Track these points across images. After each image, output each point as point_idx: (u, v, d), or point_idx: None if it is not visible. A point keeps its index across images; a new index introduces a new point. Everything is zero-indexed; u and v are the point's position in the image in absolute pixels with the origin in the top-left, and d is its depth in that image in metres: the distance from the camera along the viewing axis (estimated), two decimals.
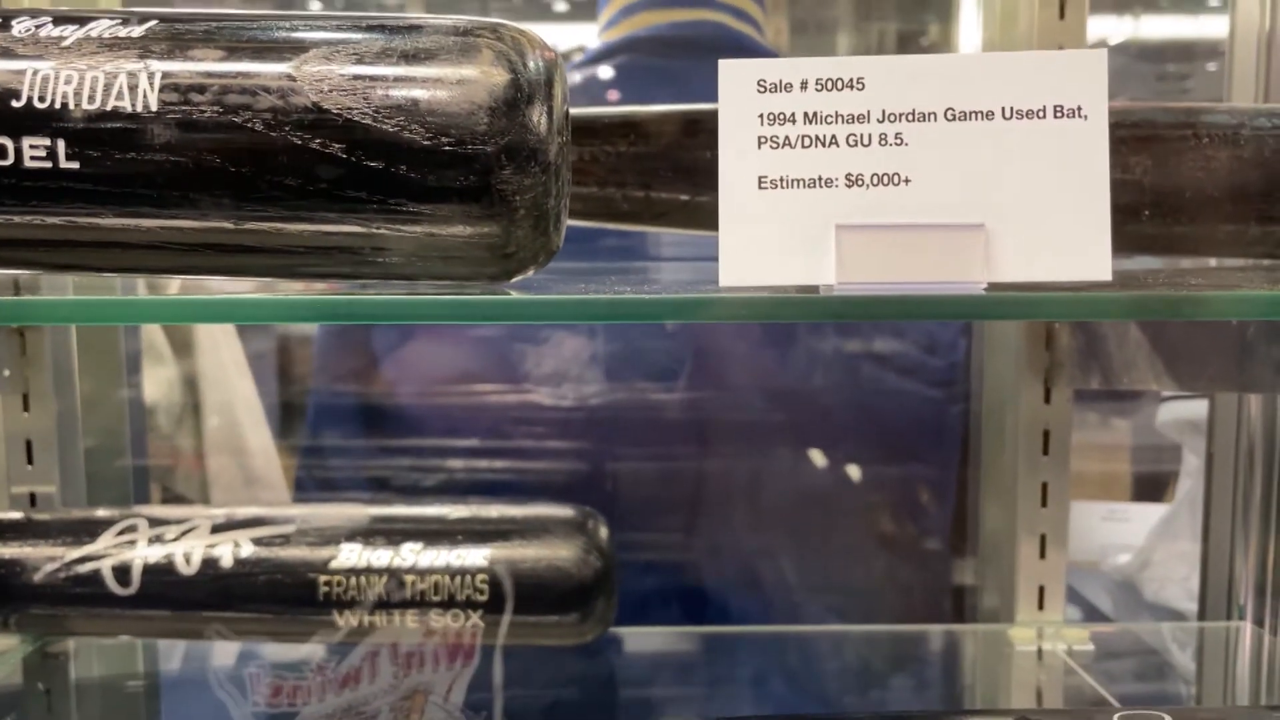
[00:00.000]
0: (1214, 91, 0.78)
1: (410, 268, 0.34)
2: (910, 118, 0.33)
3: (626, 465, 0.72)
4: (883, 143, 0.33)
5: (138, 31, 0.33)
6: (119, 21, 0.34)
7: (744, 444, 0.73)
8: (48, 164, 0.32)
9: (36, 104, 0.32)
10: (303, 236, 0.33)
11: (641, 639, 0.65)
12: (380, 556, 0.52)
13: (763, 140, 0.33)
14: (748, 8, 0.76)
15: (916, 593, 0.75)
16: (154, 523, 0.54)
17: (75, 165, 0.32)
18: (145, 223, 0.33)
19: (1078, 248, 0.32)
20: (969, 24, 0.71)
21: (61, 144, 0.32)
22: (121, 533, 0.53)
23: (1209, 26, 1.17)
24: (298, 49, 0.33)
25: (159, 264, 0.35)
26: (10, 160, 0.32)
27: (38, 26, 0.33)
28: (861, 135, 0.33)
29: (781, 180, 0.33)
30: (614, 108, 0.47)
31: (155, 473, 0.86)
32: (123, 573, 0.52)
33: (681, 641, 0.67)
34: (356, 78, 0.32)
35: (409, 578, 0.51)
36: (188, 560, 0.52)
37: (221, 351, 0.89)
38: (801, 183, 0.33)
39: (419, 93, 0.32)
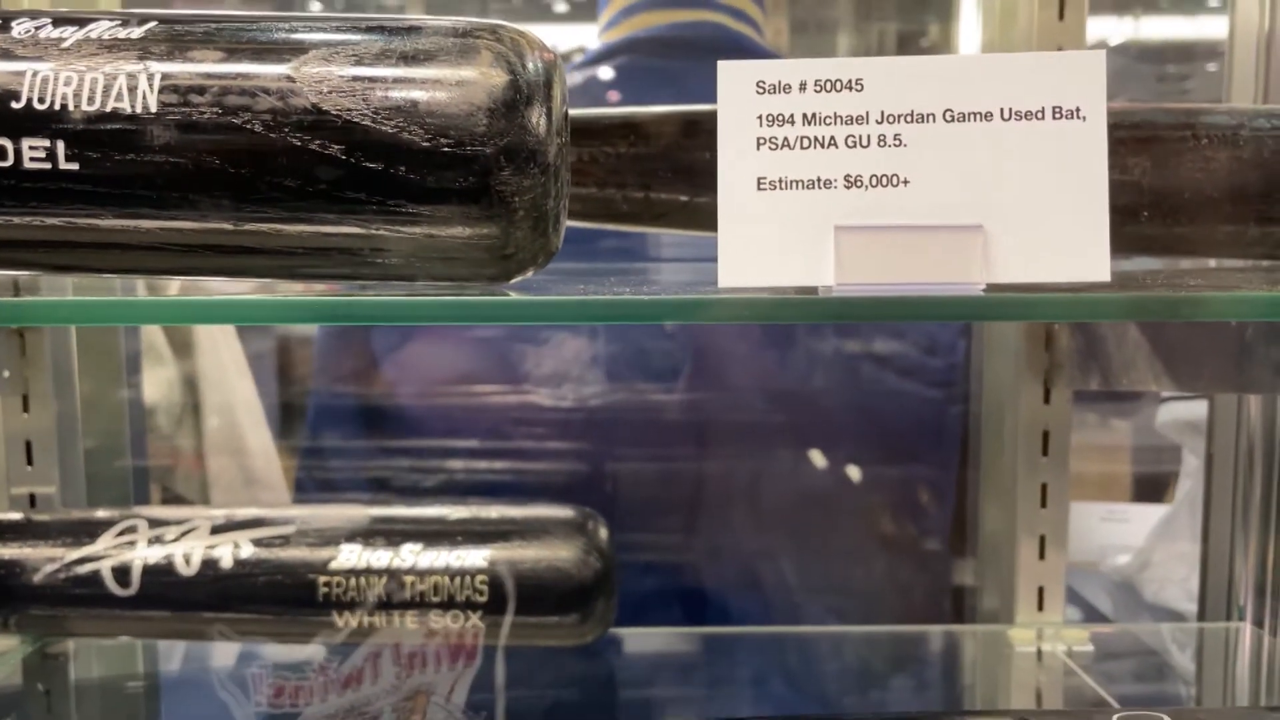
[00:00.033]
0: (1214, 92, 0.78)
1: (409, 269, 0.34)
2: (909, 119, 0.33)
3: (626, 466, 0.72)
4: (881, 144, 0.33)
5: (137, 33, 0.33)
6: (118, 23, 0.34)
7: (744, 445, 0.73)
8: (47, 165, 0.32)
9: (36, 105, 0.32)
10: (302, 238, 0.33)
11: (641, 640, 0.65)
12: (380, 557, 0.52)
13: (762, 141, 0.33)
14: (747, 8, 0.76)
15: (916, 593, 0.75)
16: (154, 523, 0.54)
17: (75, 166, 0.32)
18: (145, 224, 0.33)
19: (1076, 249, 0.32)
20: (969, 24, 0.72)
21: (61, 145, 0.32)
22: (121, 533, 0.53)
23: (1208, 27, 1.17)
24: (297, 50, 0.33)
25: (158, 265, 0.35)
26: (10, 161, 0.32)
27: (37, 28, 0.34)
28: (860, 136, 0.33)
29: (780, 181, 0.33)
30: (613, 109, 0.47)
31: (155, 473, 0.86)
32: (122, 573, 0.52)
33: (681, 642, 0.67)
34: (356, 79, 0.32)
35: (409, 579, 0.51)
36: (187, 561, 0.52)
37: (221, 352, 0.89)
38: (800, 184, 0.33)
39: (418, 94, 0.32)
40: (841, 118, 0.33)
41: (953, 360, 0.72)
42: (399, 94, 0.32)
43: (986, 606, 0.67)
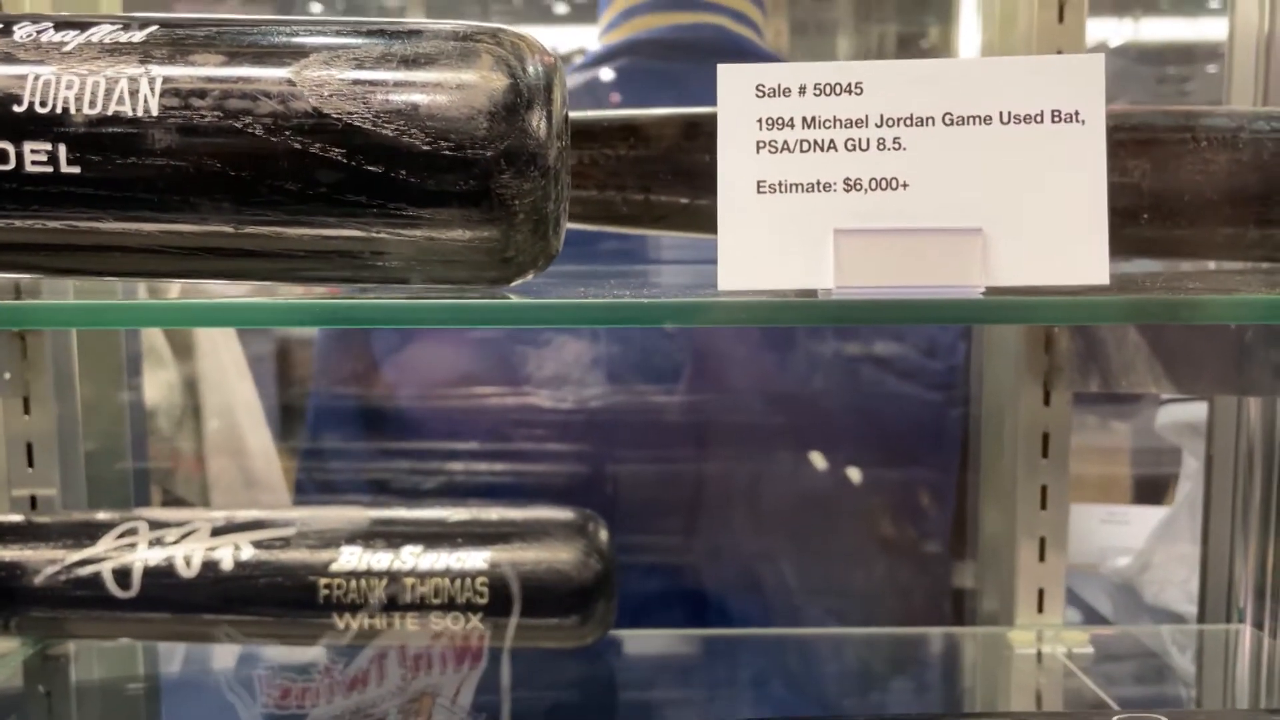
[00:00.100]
0: (1214, 94, 0.79)
1: (410, 272, 0.35)
2: (908, 122, 0.33)
3: (626, 468, 0.72)
4: (881, 147, 0.33)
5: (139, 37, 0.33)
6: (120, 27, 0.34)
7: (744, 447, 0.73)
8: (49, 169, 0.32)
9: (38, 109, 0.32)
10: (303, 241, 0.33)
11: (641, 642, 0.65)
12: (380, 559, 0.52)
13: (761, 144, 0.33)
14: (748, 10, 0.76)
15: (916, 595, 0.75)
16: (154, 525, 0.54)
17: (76, 170, 0.32)
18: (146, 227, 0.33)
19: (1075, 252, 0.32)
20: (969, 26, 0.72)
21: (63, 149, 0.32)
22: (122, 535, 0.53)
23: (1208, 29, 1.17)
24: (298, 54, 0.33)
25: (160, 268, 0.35)
26: (11, 165, 0.32)
27: (39, 31, 0.34)
28: (860, 140, 0.33)
29: (780, 184, 0.33)
30: (613, 111, 0.47)
31: (156, 475, 0.86)
32: (123, 575, 0.52)
33: (682, 644, 0.67)
34: (356, 82, 0.32)
35: (409, 580, 0.51)
36: (188, 563, 0.52)
37: (222, 354, 0.89)
38: (800, 187, 0.33)
39: (419, 97, 0.32)
40: (841, 121, 0.33)
41: (953, 362, 0.72)
42: (400, 97, 0.32)
43: (986, 608, 0.67)
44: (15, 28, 0.34)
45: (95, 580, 0.52)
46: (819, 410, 0.73)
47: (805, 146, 0.33)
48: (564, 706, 0.59)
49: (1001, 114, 0.32)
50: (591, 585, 0.52)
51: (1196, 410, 0.76)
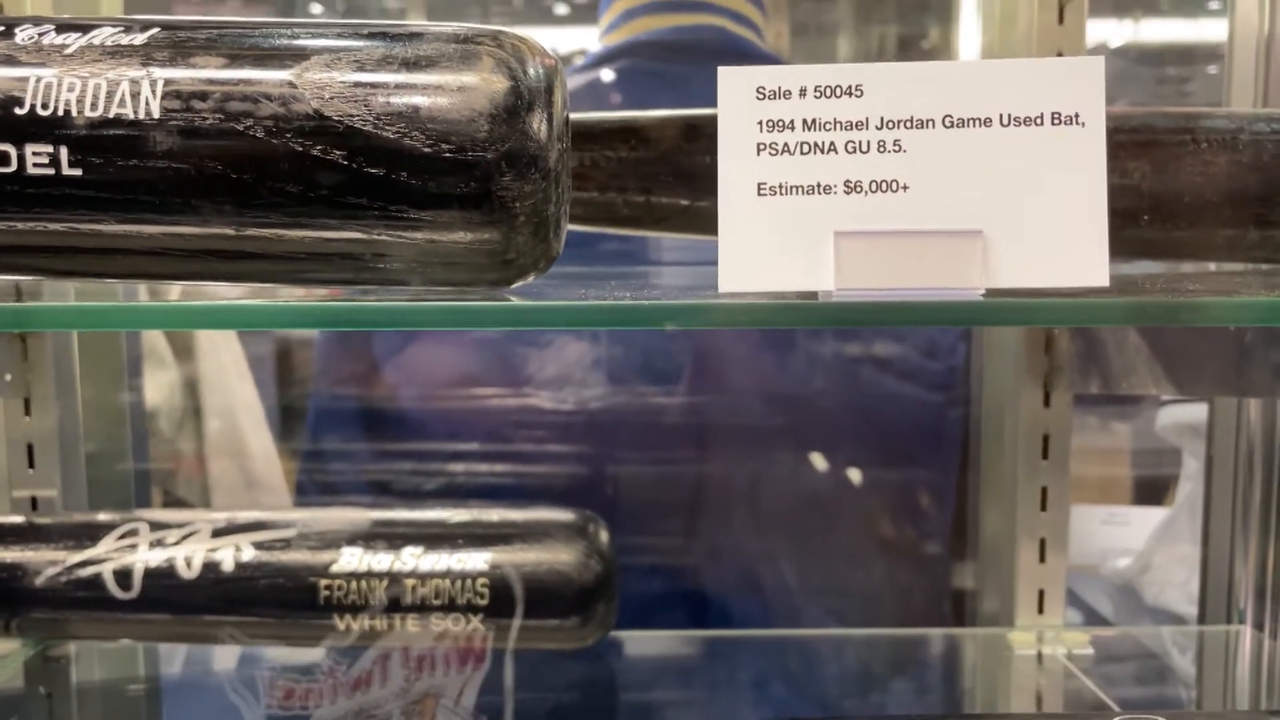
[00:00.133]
0: (1214, 95, 0.79)
1: (411, 274, 0.35)
2: (909, 124, 0.33)
3: (627, 469, 0.72)
4: (881, 149, 0.33)
5: (140, 39, 0.33)
6: (121, 29, 0.34)
7: (744, 448, 0.73)
8: (50, 171, 0.32)
9: (39, 111, 0.32)
10: (304, 243, 0.33)
11: (642, 643, 0.65)
12: (381, 560, 0.52)
13: (762, 147, 0.33)
14: (748, 12, 0.76)
15: (916, 597, 0.76)
16: (155, 526, 0.54)
17: (78, 172, 0.32)
18: (147, 229, 0.33)
19: (1075, 254, 0.32)
20: (969, 28, 0.72)
21: (64, 151, 0.32)
22: (123, 537, 0.53)
23: (1208, 30, 1.17)
24: (299, 56, 0.33)
25: (161, 270, 0.35)
26: (13, 167, 0.32)
27: (40, 34, 0.34)
28: (860, 142, 0.33)
29: (780, 186, 0.33)
30: (614, 113, 0.47)
31: (156, 477, 0.86)
32: (124, 577, 0.52)
33: (682, 645, 0.67)
34: (357, 85, 0.32)
35: (409, 582, 0.51)
36: (189, 564, 0.52)
37: (222, 355, 0.89)
38: (800, 189, 0.33)
39: (420, 100, 0.32)
40: (841, 123, 0.33)
41: (953, 364, 0.72)
42: (401, 100, 0.32)
43: (987, 609, 0.67)
44: (17, 30, 0.34)
45: (96, 581, 0.52)
46: (819, 411, 0.73)
47: (806, 148, 0.33)
48: (565, 708, 0.59)
49: (1001, 116, 0.32)
50: (592, 586, 0.52)
51: (1197, 411, 0.76)
